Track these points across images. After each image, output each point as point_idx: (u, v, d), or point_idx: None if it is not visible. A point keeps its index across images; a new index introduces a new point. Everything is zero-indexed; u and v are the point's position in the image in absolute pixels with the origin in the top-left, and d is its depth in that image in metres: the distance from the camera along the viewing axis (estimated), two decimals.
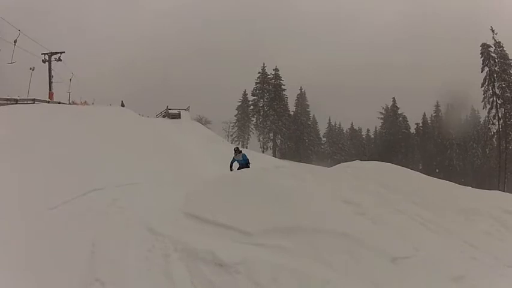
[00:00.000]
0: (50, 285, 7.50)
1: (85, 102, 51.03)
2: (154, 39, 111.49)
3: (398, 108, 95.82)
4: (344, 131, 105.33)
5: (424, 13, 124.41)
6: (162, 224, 10.03)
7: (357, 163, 16.28)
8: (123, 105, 53.03)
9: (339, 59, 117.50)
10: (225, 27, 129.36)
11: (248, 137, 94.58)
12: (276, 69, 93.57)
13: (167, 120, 50.69)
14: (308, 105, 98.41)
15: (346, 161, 18.60)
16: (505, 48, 72.67)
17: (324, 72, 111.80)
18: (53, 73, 47.02)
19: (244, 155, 21.95)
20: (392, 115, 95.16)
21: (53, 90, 46.67)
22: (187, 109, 62.50)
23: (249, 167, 21.17)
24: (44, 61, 46.86)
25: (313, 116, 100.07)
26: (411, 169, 16.04)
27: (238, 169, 20.77)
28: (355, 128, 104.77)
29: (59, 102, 41.51)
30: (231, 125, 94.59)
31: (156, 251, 8.72)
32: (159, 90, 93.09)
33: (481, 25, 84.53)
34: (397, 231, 9.35)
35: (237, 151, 22.05)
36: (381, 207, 10.77)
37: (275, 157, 67.65)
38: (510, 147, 70.63)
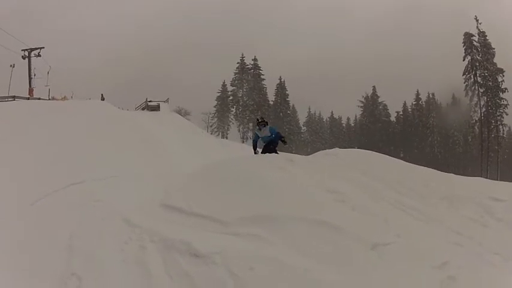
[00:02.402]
0: (26, 281, 7.41)
1: (64, 97, 50.72)
2: (135, 33, 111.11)
3: (378, 96, 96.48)
4: (324, 120, 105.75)
5: (411, 3, 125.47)
6: (139, 216, 9.97)
7: (336, 150, 16.12)
8: (103, 98, 52.88)
9: (322, 50, 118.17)
10: (205, 18, 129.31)
11: (228, 128, 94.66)
12: (254, 59, 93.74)
13: (146, 113, 50.62)
14: (288, 94, 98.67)
15: (325, 149, 18.67)
16: (488, 38, 73.49)
17: (305, 63, 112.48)
18: (34, 70, 46.96)
19: (272, 129, 18.54)
20: (372, 104, 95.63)
21: (34, 86, 46.58)
22: (166, 101, 62.56)
23: (280, 142, 18.42)
24: (23, 57, 46.83)
25: (293, 105, 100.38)
26: (392, 157, 16.06)
27: (264, 151, 17.94)
28: (335, 117, 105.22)
29: (39, 98, 41.37)
30: (211, 116, 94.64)
31: (132, 243, 8.64)
32: (140, 83, 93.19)
33: (467, 15, 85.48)
34: (378, 218, 9.25)
35: (261, 123, 18.32)
36: (361, 195, 10.69)
37: None
38: (492, 135, 71.33)
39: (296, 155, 19.32)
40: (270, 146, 18.07)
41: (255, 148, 18.77)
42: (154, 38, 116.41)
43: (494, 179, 52.11)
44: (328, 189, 10.57)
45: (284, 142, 18.71)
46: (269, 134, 18.14)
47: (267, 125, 18.48)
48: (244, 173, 11.66)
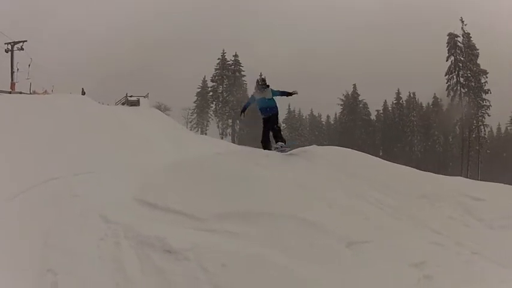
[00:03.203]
0: (2, 277, 7.33)
1: (45, 91, 50.51)
2: (118, 28, 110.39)
3: (358, 95, 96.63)
4: (304, 117, 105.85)
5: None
6: (115, 212, 9.90)
7: (313, 148, 16.00)
8: (83, 93, 52.72)
9: (303, 45, 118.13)
10: (188, 13, 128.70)
11: (207, 124, 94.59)
12: (235, 56, 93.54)
13: (126, 108, 50.43)
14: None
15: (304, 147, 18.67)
16: (472, 39, 74.20)
17: (287, 59, 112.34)
18: (17, 64, 46.88)
19: (274, 91, 15.57)
20: (352, 102, 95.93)
21: (17, 81, 46.44)
22: (146, 96, 62.25)
23: (277, 118, 15.85)
24: (6, 51, 46.64)
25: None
26: (371, 155, 16.07)
27: (263, 133, 15.81)
28: (315, 114, 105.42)
29: (20, 92, 41.21)
30: (190, 111, 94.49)
31: (108, 239, 8.63)
32: (121, 78, 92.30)
33: (453, 15, 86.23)
34: (355, 216, 9.31)
35: (262, 85, 15.57)
36: (339, 192, 10.69)
37: (234, 143, 67.91)
38: (473, 135, 72.00)
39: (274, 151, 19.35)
40: (269, 111, 15.63)
41: (243, 110, 16.84)
42: (136, 33, 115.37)
43: (475, 179, 52.60)
44: (305, 186, 10.62)
45: (294, 93, 15.58)
46: (269, 97, 15.47)
47: (268, 86, 15.59)
48: (221, 169, 11.71)
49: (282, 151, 14.95)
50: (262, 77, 16.03)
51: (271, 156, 13.59)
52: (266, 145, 15.94)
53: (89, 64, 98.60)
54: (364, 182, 11.75)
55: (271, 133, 15.90)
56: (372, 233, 8.43)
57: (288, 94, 15.72)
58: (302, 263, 7.19)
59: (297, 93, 15.68)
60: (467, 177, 49.01)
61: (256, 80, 16.16)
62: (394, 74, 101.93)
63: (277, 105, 15.99)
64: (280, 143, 15.42)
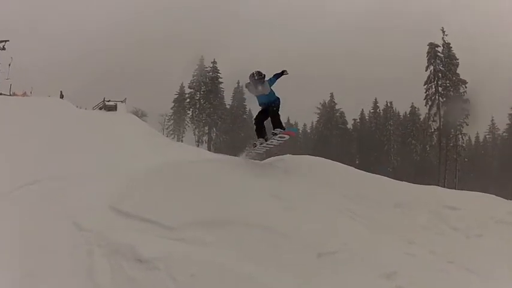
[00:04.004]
0: None
1: (24, 93, 50.27)
2: (101, 30, 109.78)
3: (335, 103, 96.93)
4: None
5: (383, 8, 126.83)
6: (89, 219, 9.86)
7: (287, 157, 16.01)
8: (62, 96, 52.36)
9: (286, 51, 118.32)
10: (169, 17, 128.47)
11: (184, 131, 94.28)
12: (214, 62, 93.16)
13: (103, 113, 50.15)
14: (245, 98, 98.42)
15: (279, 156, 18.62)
16: (452, 49, 74.85)
17: (266, 66, 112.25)
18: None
19: (269, 80, 14.08)
20: (329, 110, 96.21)
21: None
22: (123, 101, 61.88)
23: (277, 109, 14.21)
24: None
25: (249, 109, 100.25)
26: (347, 164, 16.04)
27: (259, 113, 14.56)
28: (291, 122, 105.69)
29: (0, 94, 41.01)
30: (167, 118, 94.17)
31: (81, 246, 8.63)
32: (100, 82, 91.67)
33: (436, 24, 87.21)
34: (326, 225, 9.28)
35: (257, 80, 13.88)
36: (310, 202, 10.65)
37: (210, 151, 67.80)
38: (451, 144, 72.53)
39: (249, 159, 19.24)
40: (265, 111, 14.36)
41: (260, 132, 14.52)
42: (121, 36, 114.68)
43: (452, 188, 52.77)
44: (277, 195, 10.60)
45: (285, 73, 14.16)
46: (267, 92, 14.06)
47: (264, 80, 13.97)
48: (194, 177, 11.60)
49: (279, 139, 14.03)
50: (258, 70, 14.06)
51: (246, 165, 13.50)
52: (259, 125, 14.61)
53: (68, 67, 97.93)
54: (337, 192, 11.79)
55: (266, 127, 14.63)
56: (342, 243, 8.44)
57: (280, 75, 14.34)
58: (271, 273, 7.20)
59: (287, 73, 14.38)
60: (444, 186, 49.24)
61: (251, 74, 14.12)
62: (373, 83, 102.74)
63: (278, 95, 14.51)
64: (278, 129, 14.02)
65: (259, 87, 14.05)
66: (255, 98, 14.61)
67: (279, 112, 14.45)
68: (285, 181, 12.25)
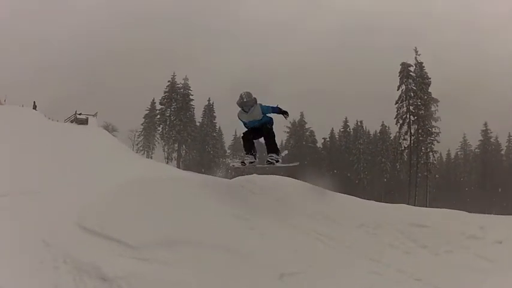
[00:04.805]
0: None
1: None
2: (72, 42, 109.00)
3: (305, 122, 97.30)
4: None
5: (362, 26, 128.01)
6: (56, 236, 9.78)
7: (254, 177, 15.80)
8: (35, 107, 52.15)
9: (258, 70, 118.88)
10: (142, 31, 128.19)
11: (153, 147, 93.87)
12: (185, 79, 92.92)
13: (74, 126, 49.93)
14: (215, 116, 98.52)
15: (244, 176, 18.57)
16: (425, 69, 76.08)
17: (237, 83, 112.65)
18: None
19: (264, 107, 12.84)
20: (299, 129, 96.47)
21: None
22: (95, 115, 61.86)
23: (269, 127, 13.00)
24: None
25: (219, 127, 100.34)
26: (316, 184, 15.92)
27: (247, 139, 13.31)
28: (261, 141, 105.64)
29: None
30: (137, 133, 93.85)
31: (47, 262, 8.54)
32: (72, 94, 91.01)
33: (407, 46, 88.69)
34: (289, 246, 9.27)
35: (246, 103, 12.64)
36: (274, 222, 10.74)
37: (179, 168, 67.58)
38: (421, 162, 73.25)
39: (217, 178, 19.21)
40: (261, 127, 13.05)
41: (248, 149, 13.41)
42: (94, 48, 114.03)
43: (424, 205, 53.30)
44: (240, 216, 10.62)
45: (285, 115, 13.05)
46: (259, 118, 12.77)
47: (256, 103, 12.71)
48: (160, 195, 11.59)
49: (275, 162, 12.91)
50: (247, 91, 12.70)
51: (210, 184, 13.54)
52: (247, 140, 13.34)
53: (44, 77, 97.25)
54: (302, 212, 11.81)
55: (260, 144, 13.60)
56: (305, 264, 8.41)
57: (280, 112, 13.05)
58: None
59: (286, 117, 13.15)
60: (415, 204, 49.88)
61: (239, 96, 12.67)
62: (344, 102, 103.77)
63: (276, 108, 13.11)
64: (272, 155, 12.91)
65: (250, 111, 12.74)
66: (245, 123, 13.24)
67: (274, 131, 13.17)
68: (250, 201, 12.31)
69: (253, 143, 13.47)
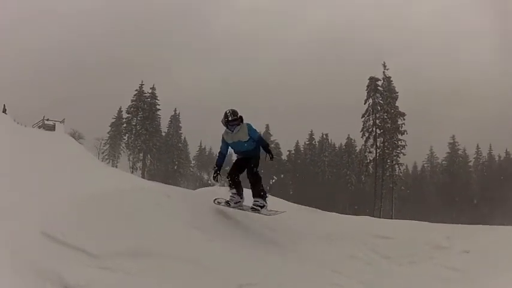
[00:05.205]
0: None
1: None
2: (44, 49, 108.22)
3: (271, 135, 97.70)
4: (214, 155, 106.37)
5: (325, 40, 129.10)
6: (19, 243, 9.15)
7: (216, 188, 15.85)
8: (4, 110, 51.41)
9: (227, 81, 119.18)
10: (115, 41, 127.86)
11: (119, 156, 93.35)
12: (153, 88, 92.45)
13: (41, 132, 49.38)
14: (181, 127, 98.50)
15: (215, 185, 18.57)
16: (393, 83, 77.14)
17: (205, 94, 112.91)
18: None
19: (252, 129, 11.78)
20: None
21: None
22: (62, 121, 61.50)
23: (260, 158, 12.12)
24: None
25: (185, 138, 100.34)
26: (280, 196, 15.83)
27: (233, 173, 12.07)
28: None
29: None
30: (103, 142, 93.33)
31: (9, 269, 8.07)
32: (43, 99, 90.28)
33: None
34: (249, 258, 9.22)
35: (231, 122, 11.54)
36: (234, 234, 10.72)
37: (143, 178, 67.18)
38: (387, 174, 73.91)
39: (180, 188, 19.15)
40: (243, 163, 12.06)
41: (217, 170, 12.06)
42: (64, 54, 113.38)
43: (389, 217, 53.83)
44: (201, 228, 10.47)
45: (270, 156, 12.03)
46: (245, 139, 11.69)
47: (242, 122, 11.71)
48: (122, 205, 11.30)
49: (259, 209, 11.56)
50: (231, 110, 11.64)
51: (172, 195, 13.38)
52: (233, 179, 12.06)
53: (16, 80, 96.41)
54: (263, 224, 11.86)
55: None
56: (265, 275, 8.39)
57: (266, 148, 12.12)
58: None
59: (271, 159, 12.08)
60: (380, 216, 50.12)
61: (224, 114, 11.68)
62: (310, 115, 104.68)
63: (259, 137, 12.19)
64: (258, 201, 11.60)
65: (235, 130, 11.67)
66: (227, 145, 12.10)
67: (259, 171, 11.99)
68: (211, 213, 12.14)
69: (240, 183, 12.17)
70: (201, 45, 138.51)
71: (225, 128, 11.79)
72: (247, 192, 12.00)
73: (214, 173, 12.06)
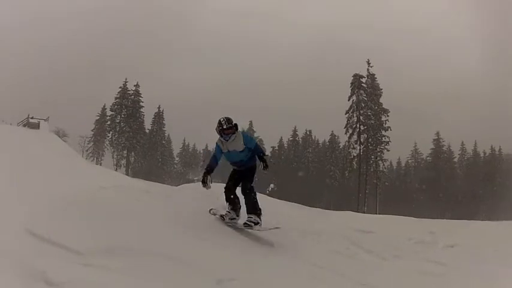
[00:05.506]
0: None
1: None
2: (29, 45, 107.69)
3: (254, 131, 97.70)
4: (198, 152, 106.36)
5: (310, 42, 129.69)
6: (4, 240, 9.27)
7: (198, 185, 15.37)
8: None
9: (212, 80, 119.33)
10: (100, 39, 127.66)
11: (103, 153, 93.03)
12: (136, 85, 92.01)
13: (26, 130, 49.24)
14: (164, 124, 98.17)
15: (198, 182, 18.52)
16: (377, 80, 77.57)
17: (190, 93, 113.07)
18: None
19: (248, 138, 11.34)
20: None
21: None
22: (46, 119, 61.35)
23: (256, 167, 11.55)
24: None
25: (168, 135, 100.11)
26: (263, 192, 15.80)
27: (232, 177, 11.76)
28: (209, 149, 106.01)
29: None
30: (87, 139, 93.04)
31: None
32: (29, 97, 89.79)
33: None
34: (230, 254, 9.21)
35: (227, 130, 10.94)
36: (215, 230, 10.67)
37: (128, 175, 67.08)
38: (371, 170, 74.30)
39: (163, 185, 19.16)
40: (238, 176, 11.57)
41: (208, 172, 11.37)
42: (50, 52, 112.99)
43: (373, 213, 54.09)
44: (181, 223, 10.54)
45: (264, 165, 11.38)
46: (241, 149, 11.13)
47: (237, 130, 11.16)
48: (105, 203, 11.46)
49: (253, 226, 10.92)
50: (225, 118, 11.07)
51: (152, 191, 13.58)
52: (229, 195, 11.58)
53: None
54: (243, 219, 11.52)
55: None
56: (245, 271, 8.35)
57: (261, 157, 11.42)
58: None
59: (265, 169, 11.35)
60: (364, 211, 50.31)
61: (218, 122, 11.11)
62: (293, 113, 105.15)
63: (256, 146, 11.47)
64: (252, 217, 10.98)
65: (231, 139, 11.12)
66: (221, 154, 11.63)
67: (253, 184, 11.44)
68: (191, 208, 12.30)
69: (237, 198, 11.49)
70: (186, 45, 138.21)
71: (220, 136, 11.21)
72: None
73: (204, 176, 11.40)
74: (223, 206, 11.85)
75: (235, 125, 11.12)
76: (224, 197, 11.64)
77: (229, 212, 11.45)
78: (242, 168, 11.49)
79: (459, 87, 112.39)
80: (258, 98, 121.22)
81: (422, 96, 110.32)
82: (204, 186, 11.29)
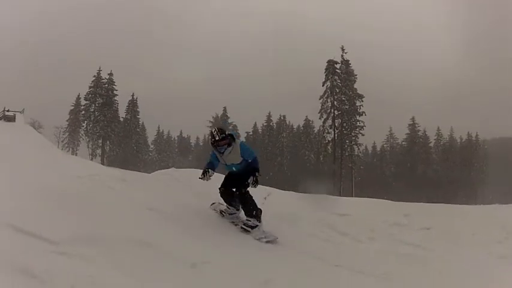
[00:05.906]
0: None
1: None
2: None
3: (228, 117, 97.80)
4: (172, 139, 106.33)
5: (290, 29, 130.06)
6: None
7: (172, 171, 16.21)
8: None
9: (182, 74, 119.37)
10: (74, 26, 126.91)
11: (78, 143, 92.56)
12: (110, 74, 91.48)
13: (1, 123, 48.83)
14: (138, 111, 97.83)
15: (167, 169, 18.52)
16: (351, 66, 78.43)
17: (162, 85, 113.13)
18: None
19: (245, 149, 10.44)
20: (221, 124, 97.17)
21: None
22: (22, 112, 61.03)
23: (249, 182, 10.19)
24: None
25: (143, 123, 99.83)
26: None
27: (225, 189, 10.77)
28: (184, 135, 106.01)
29: None
30: (62, 130, 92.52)
31: None
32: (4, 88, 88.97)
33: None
34: (204, 238, 9.28)
35: (221, 142, 10.10)
36: (188, 215, 10.66)
37: (103, 164, 66.79)
38: (346, 154, 75.10)
39: (137, 172, 19.15)
40: (235, 180, 10.55)
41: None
42: (22, 38, 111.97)
43: (349, 195, 54.57)
44: (154, 208, 10.52)
45: (254, 179, 10.20)
46: (238, 161, 10.34)
47: (234, 141, 10.34)
48: (78, 193, 11.24)
49: (250, 230, 10.09)
50: (217, 129, 10.32)
51: (128, 179, 13.54)
52: (225, 196, 10.88)
53: None
54: (220, 204, 11.53)
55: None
56: (220, 254, 8.43)
57: (253, 174, 10.24)
58: (147, 286, 7.22)
59: (254, 184, 10.22)
60: (340, 194, 50.61)
61: (210, 134, 10.53)
62: (267, 97, 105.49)
63: (254, 158, 10.51)
64: (250, 220, 10.25)
65: (226, 152, 10.27)
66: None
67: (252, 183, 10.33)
68: (164, 194, 12.30)
69: (234, 194, 10.67)
70: (165, 39, 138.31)
71: (214, 149, 10.41)
72: None
73: (205, 168, 10.67)
74: (211, 198, 11.73)
75: (230, 135, 10.33)
76: (220, 198, 11.12)
77: (228, 208, 11.01)
78: (241, 172, 10.49)
79: (434, 78, 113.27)
80: (234, 90, 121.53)
81: (400, 86, 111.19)
82: (202, 178, 10.61)
